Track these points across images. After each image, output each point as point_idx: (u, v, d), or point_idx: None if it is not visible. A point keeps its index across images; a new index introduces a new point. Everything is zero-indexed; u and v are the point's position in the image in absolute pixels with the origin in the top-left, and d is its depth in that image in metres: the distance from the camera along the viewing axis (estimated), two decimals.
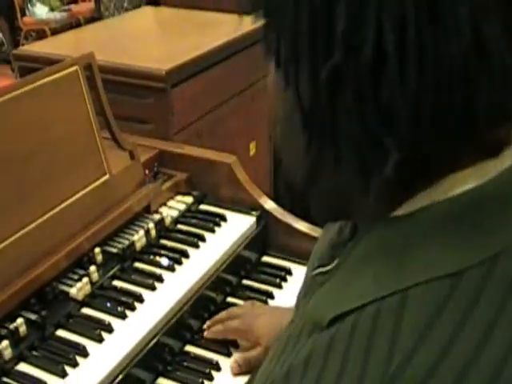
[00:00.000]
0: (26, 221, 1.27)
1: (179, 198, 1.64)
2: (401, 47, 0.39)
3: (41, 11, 5.92)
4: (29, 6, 6.09)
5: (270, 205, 1.62)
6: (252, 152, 2.47)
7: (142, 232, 1.44)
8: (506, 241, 0.43)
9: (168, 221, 1.53)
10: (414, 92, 0.40)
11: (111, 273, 1.35)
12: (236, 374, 1.25)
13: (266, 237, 1.61)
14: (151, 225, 1.47)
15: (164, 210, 1.57)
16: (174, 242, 1.49)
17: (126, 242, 1.41)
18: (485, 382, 0.39)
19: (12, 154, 1.26)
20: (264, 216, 1.61)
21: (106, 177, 1.46)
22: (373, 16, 0.39)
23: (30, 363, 1.13)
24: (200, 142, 2.01)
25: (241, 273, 1.53)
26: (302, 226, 1.58)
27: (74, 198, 1.37)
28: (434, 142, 0.42)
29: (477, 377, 0.39)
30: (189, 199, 1.63)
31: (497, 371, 0.39)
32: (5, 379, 1.09)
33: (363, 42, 0.39)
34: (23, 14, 6.13)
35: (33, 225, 1.28)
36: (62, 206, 1.34)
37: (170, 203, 1.61)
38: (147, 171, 1.63)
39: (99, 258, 1.36)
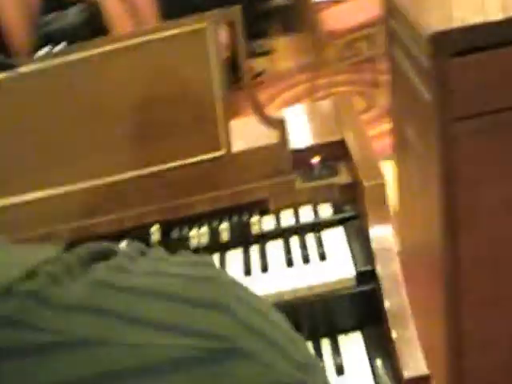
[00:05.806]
0: (112, 172, 1.26)
1: (320, 205, 1.38)
2: None
3: None
4: None
5: None
6: None
7: (225, 224, 1.27)
8: None
9: (268, 226, 1.30)
10: None
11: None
12: None
13: None
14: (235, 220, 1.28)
15: (284, 214, 1.33)
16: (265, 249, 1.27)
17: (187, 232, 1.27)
18: None
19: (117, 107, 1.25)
20: None
21: (220, 152, 1.30)
22: None
23: None
24: None
25: None
26: None
27: (169, 165, 1.27)
28: None
29: None
30: (327, 212, 1.36)
31: None
32: None
33: None
34: None
35: (117, 177, 1.26)
36: (152, 169, 1.26)
37: (305, 208, 1.36)
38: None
39: (156, 234, 1.25)
